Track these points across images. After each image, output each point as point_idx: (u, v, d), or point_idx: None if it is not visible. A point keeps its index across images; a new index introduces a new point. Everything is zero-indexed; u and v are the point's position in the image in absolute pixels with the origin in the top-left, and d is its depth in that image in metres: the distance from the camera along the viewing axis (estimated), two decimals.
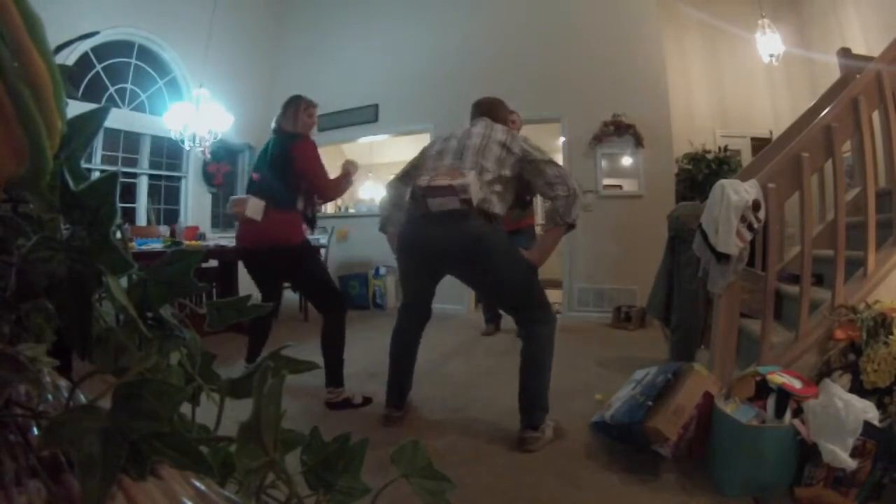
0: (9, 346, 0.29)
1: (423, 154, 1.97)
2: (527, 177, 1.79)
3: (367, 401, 2.13)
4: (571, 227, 1.75)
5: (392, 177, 2.09)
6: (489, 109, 2.02)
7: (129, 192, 4.80)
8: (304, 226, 2.24)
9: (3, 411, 0.29)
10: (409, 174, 1.98)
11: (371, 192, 7.80)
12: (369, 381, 2.40)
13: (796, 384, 1.46)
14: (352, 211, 6.30)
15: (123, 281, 0.34)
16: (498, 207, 1.74)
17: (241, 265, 2.38)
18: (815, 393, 1.44)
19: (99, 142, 4.47)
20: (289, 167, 2.11)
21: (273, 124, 2.26)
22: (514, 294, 1.81)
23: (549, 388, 1.80)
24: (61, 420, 0.26)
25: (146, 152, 4.92)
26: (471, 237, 1.68)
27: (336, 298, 2.20)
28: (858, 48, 3.19)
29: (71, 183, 0.28)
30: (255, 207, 2.11)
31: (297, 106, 2.22)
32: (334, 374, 2.12)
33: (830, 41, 4.25)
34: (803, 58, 4.80)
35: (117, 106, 4.59)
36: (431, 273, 1.90)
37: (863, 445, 1.28)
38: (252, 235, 2.15)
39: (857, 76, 2.02)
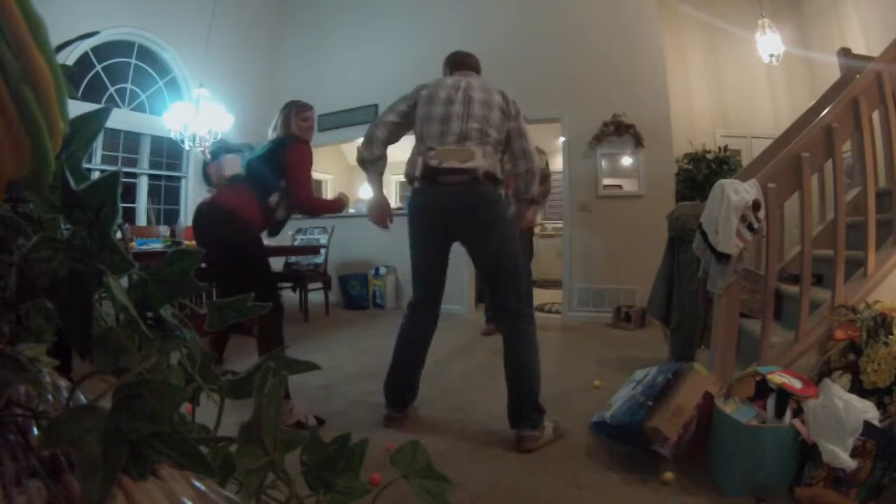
0: (9, 346, 0.29)
1: (425, 116, 1.88)
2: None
3: (320, 422, 1.96)
4: (533, 202, 1.91)
5: (385, 121, 1.98)
6: (477, 66, 2.06)
7: (129, 192, 4.79)
8: (263, 225, 2.13)
9: (3, 411, 0.29)
10: (399, 125, 1.97)
11: (371, 192, 7.78)
12: (369, 382, 2.40)
13: (796, 384, 1.46)
14: (352, 211, 6.31)
15: (124, 281, 0.34)
16: (499, 171, 1.89)
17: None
18: (815, 393, 1.44)
19: (99, 142, 4.46)
20: (277, 160, 2.08)
21: (270, 133, 2.21)
22: (506, 266, 1.86)
23: (539, 389, 1.78)
24: (61, 420, 0.26)
25: (146, 152, 4.92)
26: (485, 199, 1.83)
27: (273, 299, 2.02)
28: (858, 48, 3.19)
29: (72, 183, 0.28)
30: (232, 164, 2.13)
31: (288, 111, 2.18)
32: None
33: (830, 41, 4.25)
34: (803, 58, 4.80)
35: (117, 106, 4.59)
36: (444, 237, 1.92)
37: (863, 445, 1.28)
38: (211, 199, 2.11)
39: (857, 76, 2.02)
